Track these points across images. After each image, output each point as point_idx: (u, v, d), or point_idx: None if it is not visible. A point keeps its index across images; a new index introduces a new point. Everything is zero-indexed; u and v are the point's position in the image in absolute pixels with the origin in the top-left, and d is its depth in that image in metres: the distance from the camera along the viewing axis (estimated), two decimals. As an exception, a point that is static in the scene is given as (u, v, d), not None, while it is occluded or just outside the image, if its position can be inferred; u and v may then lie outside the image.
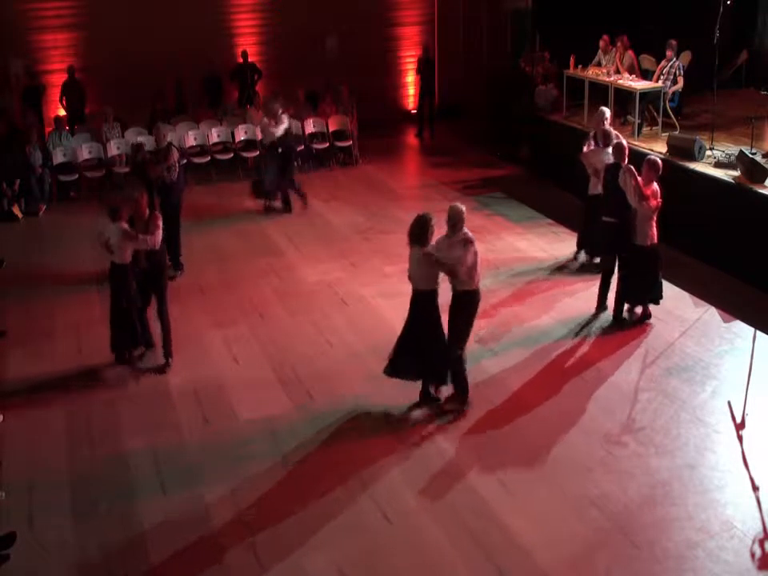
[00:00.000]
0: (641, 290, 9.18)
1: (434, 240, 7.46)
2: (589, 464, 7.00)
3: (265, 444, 7.42)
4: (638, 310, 9.37)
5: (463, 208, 7.52)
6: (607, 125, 10.42)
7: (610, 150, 9.75)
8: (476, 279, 7.55)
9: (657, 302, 9.24)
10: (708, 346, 8.80)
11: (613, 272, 9.38)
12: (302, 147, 15.19)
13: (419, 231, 7.38)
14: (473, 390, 7.98)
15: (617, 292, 9.28)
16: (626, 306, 9.35)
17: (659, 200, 8.80)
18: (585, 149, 10.53)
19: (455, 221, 7.42)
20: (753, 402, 7.77)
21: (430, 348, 7.60)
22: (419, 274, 7.49)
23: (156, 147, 11.05)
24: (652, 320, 9.30)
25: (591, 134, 10.77)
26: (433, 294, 7.53)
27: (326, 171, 15.50)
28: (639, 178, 8.80)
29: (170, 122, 15.42)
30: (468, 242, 7.41)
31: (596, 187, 10.05)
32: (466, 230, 7.48)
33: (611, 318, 9.31)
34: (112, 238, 8.34)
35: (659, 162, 8.96)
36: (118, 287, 8.48)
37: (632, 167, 8.94)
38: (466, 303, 7.57)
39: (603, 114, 10.58)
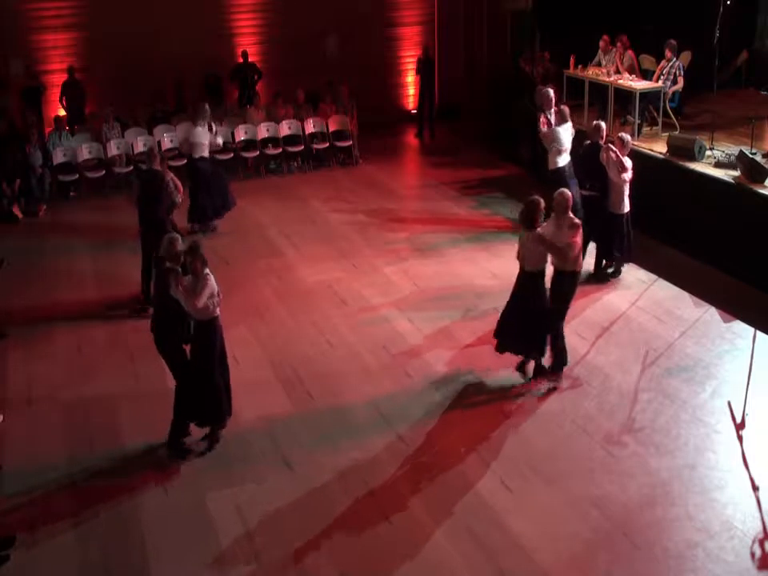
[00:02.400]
0: (617, 250, 10.29)
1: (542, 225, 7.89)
2: (589, 464, 7.00)
3: (265, 444, 7.42)
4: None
5: (569, 194, 7.96)
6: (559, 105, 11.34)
7: (568, 126, 10.90)
8: (579, 261, 8.03)
9: (629, 261, 10.47)
10: (708, 346, 8.80)
11: (589, 240, 9.89)
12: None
13: (529, 215, 7.79)
14: (473, 390, 8.00)
15: (597, 254, 10.37)
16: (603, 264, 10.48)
17: (632, 173, 9.96)
18: (543, 128, 11.09)
19: (563, 206, 7.88)
20: (753, 402, 7.77)
21: (537, 324, 7.95)
22: (529, 256, 7.85)
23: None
24: (652, 320, 9.33)
25: (542, 114, 11.29)
26: (541, 274, 7.92)
27: (326, 171, 15.51)
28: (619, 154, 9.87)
29: (170, 121, 15.46)
30: (576, 226, 7.86)
31: (555, 162, 10.92)
32: (571, 214, 7.94)
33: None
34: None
35: (630, 138, 10.17)
36: None
37: (611, 145, 9.93)
38: (570, 283, 8.03)
39: (547, 92, 11.40)
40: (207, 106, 12.23)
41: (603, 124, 10.58)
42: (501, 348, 8.23)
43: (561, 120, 10.94)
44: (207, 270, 7.03)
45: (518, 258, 8.02)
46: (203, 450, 7.34)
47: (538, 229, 7.78)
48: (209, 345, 7.14)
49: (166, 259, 7.15)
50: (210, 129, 12.02)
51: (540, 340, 8.06)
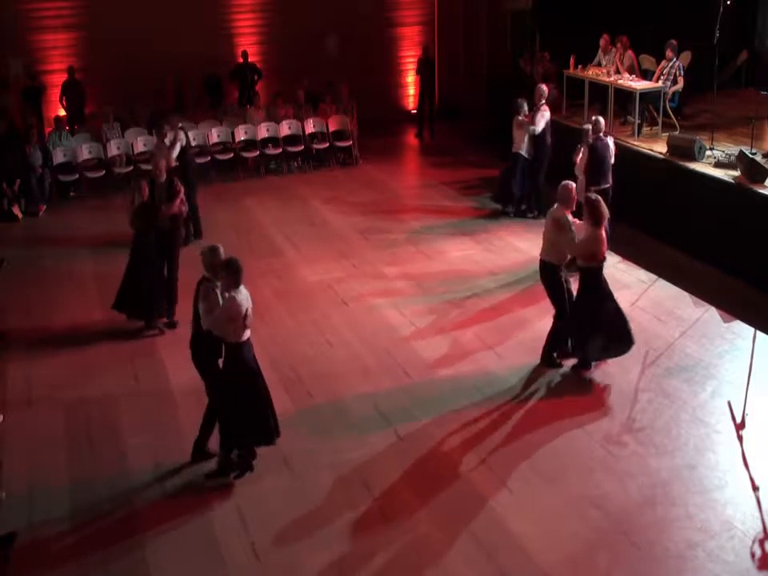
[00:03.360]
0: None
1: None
2: (589, 464, 7.00)
3: (265, 444, 7.41)
4: None
5: (573, 185, 8.29)
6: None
7: (544, 111, 11.98)
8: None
9: None
10: (708, 346, 8.80)
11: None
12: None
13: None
14: (474, 390, 8.00)
15: None
16: None
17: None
18: (521, 118, 12.15)
19: (567, 197, 8.18)
20: (753, 401, 7.77)
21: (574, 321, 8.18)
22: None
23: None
24: (652, 320, 9.32)
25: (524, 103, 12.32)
26: (590, 269, 7.99)
27: (326, 171, 15.51)
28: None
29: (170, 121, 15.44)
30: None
31: (519, 146, 12.13)
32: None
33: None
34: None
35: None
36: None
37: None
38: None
39: (540, 90, 12.24)
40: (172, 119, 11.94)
41: (602, 119, 11.00)
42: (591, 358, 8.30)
43: (541, 99, 12.18)
44: (235, 292, 6.62)
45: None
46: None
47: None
48: (229, 368, 6.78)
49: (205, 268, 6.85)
50: (173, 143, 11.30)
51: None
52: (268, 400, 6.93)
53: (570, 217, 8.13)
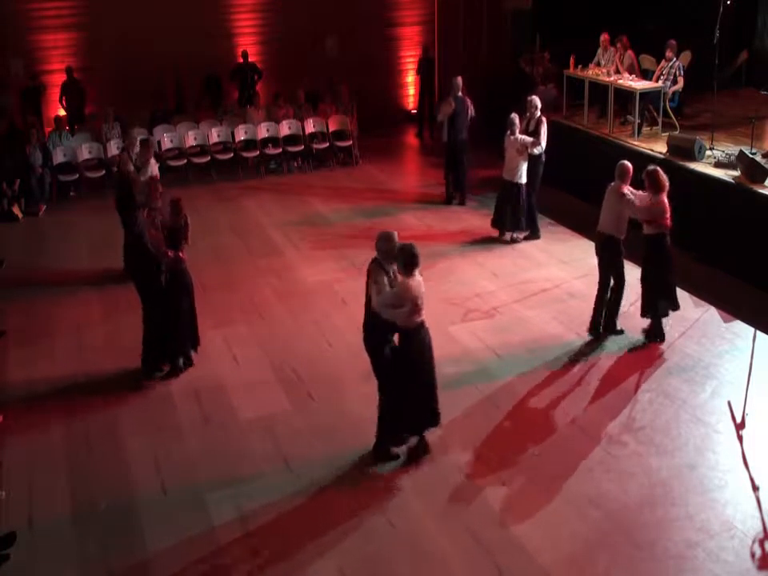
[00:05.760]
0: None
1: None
2: (589, 464, 7.00)
3: (265, 444, 7.41)
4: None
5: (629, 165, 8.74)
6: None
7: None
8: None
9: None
10: (708, 346, 8.80)
11: None
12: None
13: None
14: (473, 390, 8.01)
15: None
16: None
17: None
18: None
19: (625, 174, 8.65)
20: (753, 401, 7.77)
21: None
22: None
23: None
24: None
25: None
26: (657, 237, 8.59)
27: (326, 171, 15.51)
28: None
29: (170, 121, 15.46)
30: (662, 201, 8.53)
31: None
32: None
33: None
34: None
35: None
36: None
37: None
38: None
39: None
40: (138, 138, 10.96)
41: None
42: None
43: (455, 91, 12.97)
44: (409, 278, 6.59)
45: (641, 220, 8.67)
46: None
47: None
48: (400, 353, 6.86)
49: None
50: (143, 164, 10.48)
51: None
52: (432, 387, 6.96)
53: (630, 189, 8.67)
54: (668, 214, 8.48)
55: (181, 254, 8.24)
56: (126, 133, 11.40)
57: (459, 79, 13.14)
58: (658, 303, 8.79)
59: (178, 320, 8.38)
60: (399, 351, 6.88)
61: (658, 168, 8.61)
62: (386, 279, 6.71)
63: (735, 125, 12.78)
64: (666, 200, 8.48)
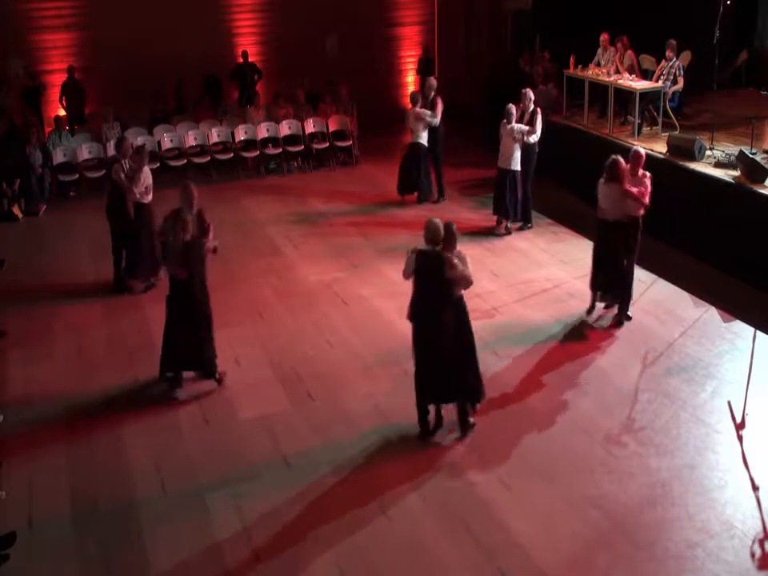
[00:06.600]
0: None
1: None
2: (589, 464, 7.00)
3: (265, 443, 7.41)
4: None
5: (643, 152, 9.25)
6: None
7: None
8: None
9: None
10: (708, 346, 8.80)
11: None
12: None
13: (612, 170, 8.94)
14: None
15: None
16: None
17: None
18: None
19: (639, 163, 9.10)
20: (753, 401, 7.77)
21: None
22: (613, 207, 9.02)
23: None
24: (652, 320, 9.35)
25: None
26: (623, 223, 9.05)
27: (326, 171, 15.52)
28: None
29: (170, 121, 15.46)
30: (648, 177, 9.09)
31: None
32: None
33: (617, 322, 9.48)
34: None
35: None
36: None
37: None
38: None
39: (430, 82, 13.10)
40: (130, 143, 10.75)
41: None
42: (603, 298, 9.47)
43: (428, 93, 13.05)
44: (454, 255, 7.38)
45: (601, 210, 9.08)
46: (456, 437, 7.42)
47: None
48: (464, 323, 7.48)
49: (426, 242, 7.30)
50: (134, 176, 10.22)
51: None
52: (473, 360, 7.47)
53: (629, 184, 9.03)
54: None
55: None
56: (119, 139, 10.87)
57: (433, 80, 13.47)
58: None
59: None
60: (464, 322, 7.50)
61: (620, 157, 9.01)
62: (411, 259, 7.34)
63: (735, 125, 12.79)
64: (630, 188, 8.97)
